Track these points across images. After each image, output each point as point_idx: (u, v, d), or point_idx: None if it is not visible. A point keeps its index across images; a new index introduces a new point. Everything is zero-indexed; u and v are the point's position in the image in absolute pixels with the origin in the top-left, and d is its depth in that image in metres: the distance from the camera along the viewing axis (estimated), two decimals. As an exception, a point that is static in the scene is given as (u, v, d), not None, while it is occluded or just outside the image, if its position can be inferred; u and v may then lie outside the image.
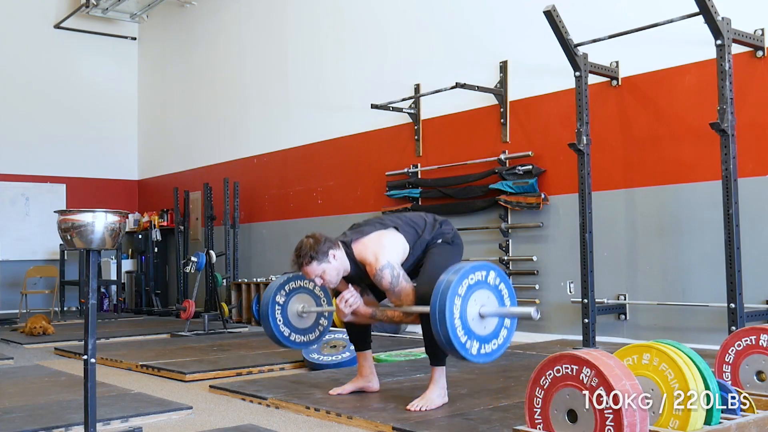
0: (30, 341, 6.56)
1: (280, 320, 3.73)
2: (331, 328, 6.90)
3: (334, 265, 3.30)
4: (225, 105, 9.96)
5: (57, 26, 11.22)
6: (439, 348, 3.30)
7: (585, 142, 5.18)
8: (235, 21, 9.81)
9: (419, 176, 7.02)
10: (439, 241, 3.47)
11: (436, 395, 3.29)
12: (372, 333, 3.81)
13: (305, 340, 3.85)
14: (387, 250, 3.30)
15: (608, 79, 5.58)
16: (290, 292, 3.80)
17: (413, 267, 3.45)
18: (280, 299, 3.75)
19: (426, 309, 3.01)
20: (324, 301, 3.90)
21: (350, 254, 3.37)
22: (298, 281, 3.82)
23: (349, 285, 3.44)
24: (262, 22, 9.30)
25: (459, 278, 2.79)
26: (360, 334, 3.66)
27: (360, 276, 3.41)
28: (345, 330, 3.88)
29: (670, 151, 5.29)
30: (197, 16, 10.52)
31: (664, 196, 5.32)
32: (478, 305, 2.85)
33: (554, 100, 5.99)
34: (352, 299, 3.36)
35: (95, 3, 10.59)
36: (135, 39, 12.02)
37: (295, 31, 8.76)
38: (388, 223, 3.46)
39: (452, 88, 6.29)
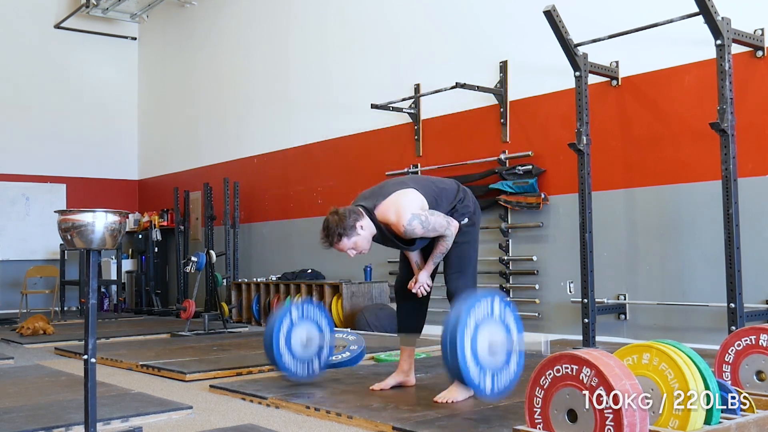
0: (30, 341, 6.56)
1: (284, 350, 3.83)
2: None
3: (363, 236, 3.41)
4: (225, 105, 9.97)
5: (57, 26, 11.23)
6: None
7: (585, 142, 5.18)
8: (235, 21, 9.81)
9: (425, 176, 7.01)
10: (465, 221, 3.55)
11: (462, 388, 3.35)
12: (376, 333, 3.87)
13: (307, 372, 3.92)
14: (407, 207, 3.38)
15: (608, 79, 5.58)
16: (294, 322, 3.89)
17: (430, 241, 3.53)
18: (284, 328, 3.84)
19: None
20: (327, 330, 4.00)
21: (374, 219, 3.44)
22: (303, 309, 3.94)
23: (416, 274, 3.62)
24: (262, 22, 9.30)
25: (468, 310, 2.89)
26: (410, 322, 3.77)
27: (386, 238, 3.50)
28: (355, 328, 3.96)
29: (669, 151, 5.29)
30: (197, 16, 10.53)
31: (663, 196, 5.32)
32: (487, 337, 2.95)
33: (554, 100, 5.99)
34: (424, 284, 3.59)
35: (95, 3, 10.61)
36: (135, 39, 12.03)
37: (295, 32, 8.77)
38: (408, 182, 3.56)
39: (452, 88, 6.30)
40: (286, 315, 3.87)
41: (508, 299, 3.09)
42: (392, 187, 3.51)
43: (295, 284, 7.66)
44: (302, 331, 3.90)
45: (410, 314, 3.76)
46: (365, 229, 3.41)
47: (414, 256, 3.70)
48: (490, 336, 2.94)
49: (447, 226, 3.40)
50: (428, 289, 3.61)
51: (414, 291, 3.59)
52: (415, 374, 3.85)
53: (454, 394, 3.35)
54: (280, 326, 3.83)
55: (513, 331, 3.05)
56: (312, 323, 3.95)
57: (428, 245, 3.58)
